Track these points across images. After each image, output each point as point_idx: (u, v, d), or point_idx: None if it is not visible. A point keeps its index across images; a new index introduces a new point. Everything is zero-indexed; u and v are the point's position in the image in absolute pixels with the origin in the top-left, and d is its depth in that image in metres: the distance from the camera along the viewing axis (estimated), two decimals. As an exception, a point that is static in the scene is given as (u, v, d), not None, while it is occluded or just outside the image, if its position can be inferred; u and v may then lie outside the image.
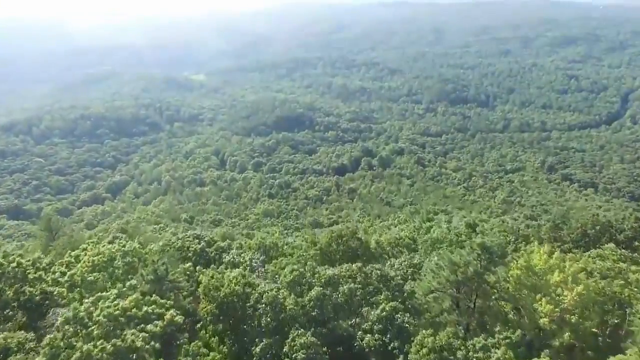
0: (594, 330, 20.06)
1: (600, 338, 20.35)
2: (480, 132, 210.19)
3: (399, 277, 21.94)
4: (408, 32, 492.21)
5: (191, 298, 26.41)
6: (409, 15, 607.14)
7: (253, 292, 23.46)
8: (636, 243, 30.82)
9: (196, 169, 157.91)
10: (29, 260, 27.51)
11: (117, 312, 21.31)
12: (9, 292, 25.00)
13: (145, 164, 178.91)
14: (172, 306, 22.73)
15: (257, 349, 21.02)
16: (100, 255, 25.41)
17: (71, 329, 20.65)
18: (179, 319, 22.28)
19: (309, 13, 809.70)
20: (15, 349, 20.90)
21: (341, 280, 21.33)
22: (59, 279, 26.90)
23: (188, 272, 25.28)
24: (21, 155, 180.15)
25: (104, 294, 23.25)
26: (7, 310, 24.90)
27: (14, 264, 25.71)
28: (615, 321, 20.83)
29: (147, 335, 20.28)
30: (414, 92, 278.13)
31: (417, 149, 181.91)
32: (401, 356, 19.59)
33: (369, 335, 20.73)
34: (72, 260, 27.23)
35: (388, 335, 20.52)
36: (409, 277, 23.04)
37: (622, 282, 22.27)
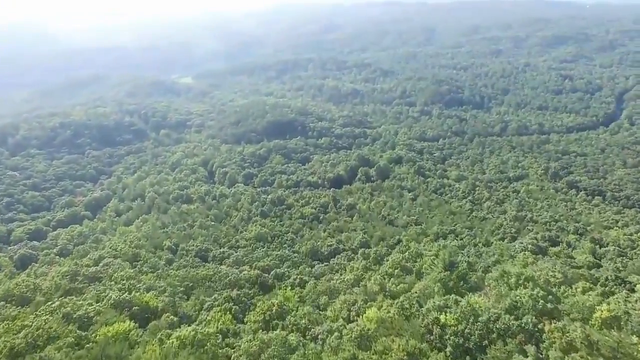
0: None
1: None
2: (478, 136, 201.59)
3: None
4: (399, 33, 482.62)
5: None
6: (399, 15, 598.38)
7: None
8: None
9: (182, 183, 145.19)
10: None
11: None
12: None
13: (129, 176, 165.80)
14: None
15: None
16: None
17: None
18: None
19: (299, 14, 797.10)
20: None
21: None
22: None
23: None
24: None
25: None
26: None
27: None
28: None
29: None
30: (407, 94, 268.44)
31: (415, 155, 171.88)
32: None
33: None
34: None
35: None
36: None
37: None
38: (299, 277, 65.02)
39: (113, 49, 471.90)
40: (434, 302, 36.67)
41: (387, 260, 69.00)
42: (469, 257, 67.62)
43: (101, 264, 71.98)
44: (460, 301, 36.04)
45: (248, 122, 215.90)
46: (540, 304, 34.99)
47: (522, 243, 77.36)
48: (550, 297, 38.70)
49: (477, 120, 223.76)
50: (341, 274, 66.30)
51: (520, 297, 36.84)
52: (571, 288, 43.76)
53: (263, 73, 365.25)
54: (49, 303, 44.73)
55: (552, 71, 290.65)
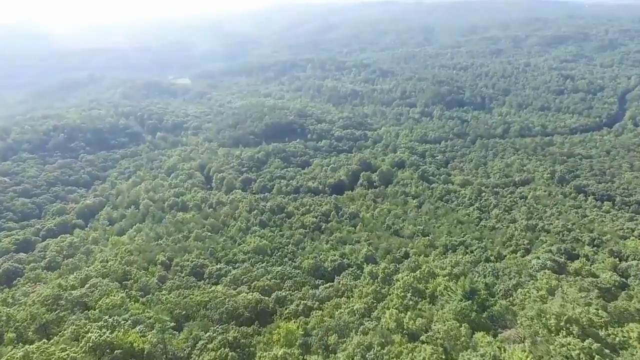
0: None
1: None
2: (481, 138, 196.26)
3: None
4: (397, 32, 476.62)
5: None
6: (397, 14, 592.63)
7: None
8: None
9: (178, 190, 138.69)
10: None
11: None
12: None
13: (123, 181, 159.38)
14: None
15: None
16: None
17: None
18: None
19: (295, 13, 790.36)
20: None
21: None
22: None
23: None
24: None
25: None
26: None
27: None
28: None
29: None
30: (407, 94, 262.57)
31: (418, 159, 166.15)
32: None
33: None
34: None
35: None
36: None
37: None
38: (302, 302, 58.99)
39: (108, 50, 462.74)
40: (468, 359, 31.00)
41: (397, 281, 63.19)
42: (485, 276, 61.94)
43: (87, 285, 65.70)
44: (499, 357, 30.51)
45: (246, 124, 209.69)
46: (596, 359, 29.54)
47: (538, 258, 71.75)
48: (606, 350, 32.98)
49: (479, 122, 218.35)
50: (349, 298, 60.46)
51: (569, 349, 31.22)
52: (622, 330, 38.22)
53: (261, 73, 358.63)
54: (12, 353, 38.44)
55: (552, 71, 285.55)
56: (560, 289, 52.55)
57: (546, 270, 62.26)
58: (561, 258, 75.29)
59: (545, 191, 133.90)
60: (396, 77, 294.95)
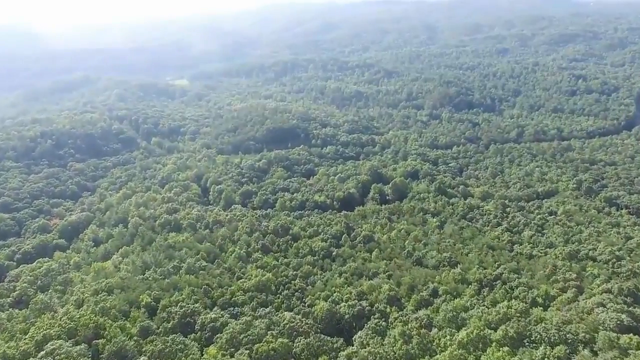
0: None
1: None
2: (494, 143, 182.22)
3: None
4: (399, 31, 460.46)
5: None
6: (397, 13, 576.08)
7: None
8: None
9: (172, 205, 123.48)
10: None
11: None
12: None
13: (114, 193, 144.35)
14: None
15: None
16: None
17: None
18: None
19: (293, 13, 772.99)
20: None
21: None
22: None
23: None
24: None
25: None
26: None
27: None
28: None
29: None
30: (414, 96, 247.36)
31: (431, 167, 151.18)
32: None
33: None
34: None
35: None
36: None
37: None
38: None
39: (104, 50, 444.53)
40: None
41: (441, 350, 48.68)
42: (552, 345, 47.30)
43: (43, 353, 50.96)
44: None
45: (246, 128, 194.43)
46: None
47: (604, 306, 57.34)
48: None
49: (490, 125, 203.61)
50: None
51: None
52: None
53: (261, 74, 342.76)
54: None
55: (563, 71, 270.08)
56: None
57: (631, 336, 47.79)
58: (629, 304, 60.77)
59: (575, 205, 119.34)
60: (401, 77, 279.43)
